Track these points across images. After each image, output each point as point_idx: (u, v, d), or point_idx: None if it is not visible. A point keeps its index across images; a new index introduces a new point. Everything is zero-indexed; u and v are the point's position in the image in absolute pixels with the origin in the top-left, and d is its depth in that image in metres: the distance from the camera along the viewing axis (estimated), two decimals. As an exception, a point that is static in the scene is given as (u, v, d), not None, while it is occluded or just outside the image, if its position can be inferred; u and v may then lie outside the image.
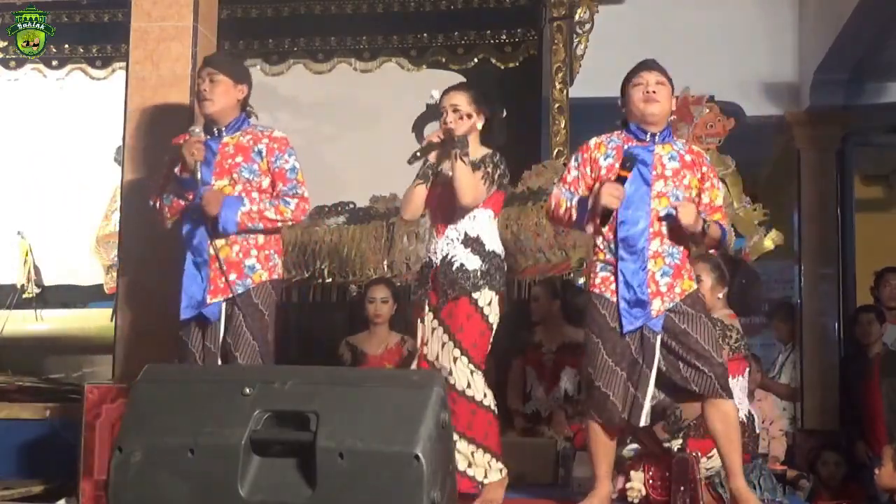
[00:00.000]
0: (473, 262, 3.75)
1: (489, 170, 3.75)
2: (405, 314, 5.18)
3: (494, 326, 3.77)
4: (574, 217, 3.64)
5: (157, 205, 3.90)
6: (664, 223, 3.57)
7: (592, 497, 3.64)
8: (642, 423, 3.57)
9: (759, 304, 5.00)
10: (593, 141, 3.74)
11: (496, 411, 3.78)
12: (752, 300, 4.58)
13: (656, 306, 3.55)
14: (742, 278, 4.50)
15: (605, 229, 3.59)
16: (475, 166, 3.75)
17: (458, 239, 3.78)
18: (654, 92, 3.60)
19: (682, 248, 3.62)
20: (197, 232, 3.77)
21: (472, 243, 3.77)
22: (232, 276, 3.75)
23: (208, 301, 3.74)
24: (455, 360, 3.70)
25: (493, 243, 3.81)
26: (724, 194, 3.74)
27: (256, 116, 3.98)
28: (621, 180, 3.50)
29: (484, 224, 3.80)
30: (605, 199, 3.49)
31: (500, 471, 3.74)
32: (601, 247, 3.65)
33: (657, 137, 3.65)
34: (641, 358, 3.56)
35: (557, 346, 5.07)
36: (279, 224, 3.82)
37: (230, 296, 3.74)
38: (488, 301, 3.74)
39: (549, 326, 5.12)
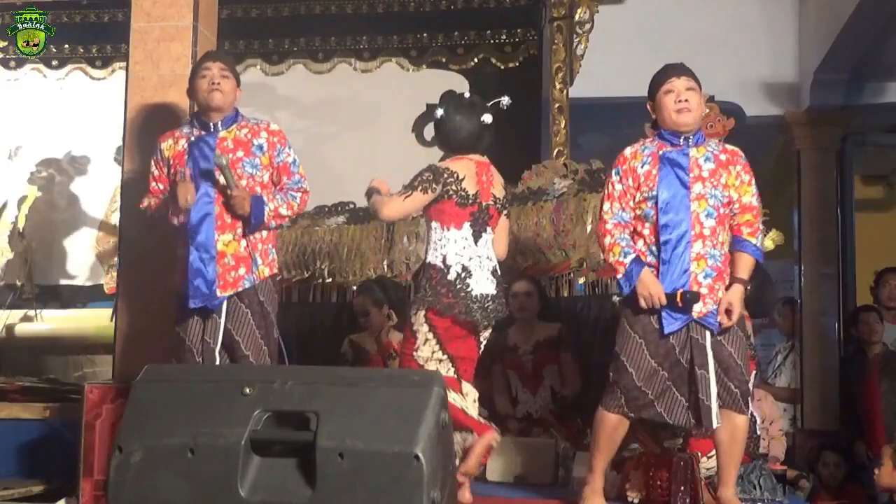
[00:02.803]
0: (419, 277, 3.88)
1: (416, 182, 3.79)
2: (405, 313, 5.18)
3: (419, 337, 3.78)
4: (621, 274, 3.62)
5: (149, 215, 3.98)
6: (705, 225, 3.58)
7: (587, 496, 3.66)
8: (715, 424, 3.54)
9: (772, 306, 4.99)
10: (628, 151, 3.73)
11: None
12: (765, 302, 4.57)
13: (697, 308, 3.54)
14: (756, 280, 4.49)
15: (647, 232, 3.62)
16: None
17: None
18: (685, 101, 3.60)
19: (724, 250, 3.61)
20: (202, 228, 3.77)
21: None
22: (241, 271, 3.78)
23: (218, 295, 3.75)
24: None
25: (431, 256, 3.82)
26: (756, 192, 3.66)
27: (242, 116, 3.98)
28: (674, 302, 3.52)
29: (429, 238, 3.87)
30: (644, 298, 3.55)
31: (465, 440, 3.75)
32: (643, 250, 3.65)
33: (690, 140, 3.65)
34: (689, 360, 3.54)
35: (533, 346, 5.04)
36: (287, 220, 3.92)
37: (239, 290, 3.77)
38: (414, 312, 3.81)
39: (523, 326, 5.07)
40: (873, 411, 6.22)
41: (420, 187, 3.76)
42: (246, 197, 3.74)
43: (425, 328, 3.77)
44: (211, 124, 3.86)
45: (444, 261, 3.78)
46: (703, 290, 3.55)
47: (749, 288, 4.20)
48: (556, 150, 6.46)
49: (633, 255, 3.61)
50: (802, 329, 7.49)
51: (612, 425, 3.64)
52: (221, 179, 3.76)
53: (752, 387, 4.49)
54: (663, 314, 3.54)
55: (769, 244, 4.96)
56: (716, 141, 3.83)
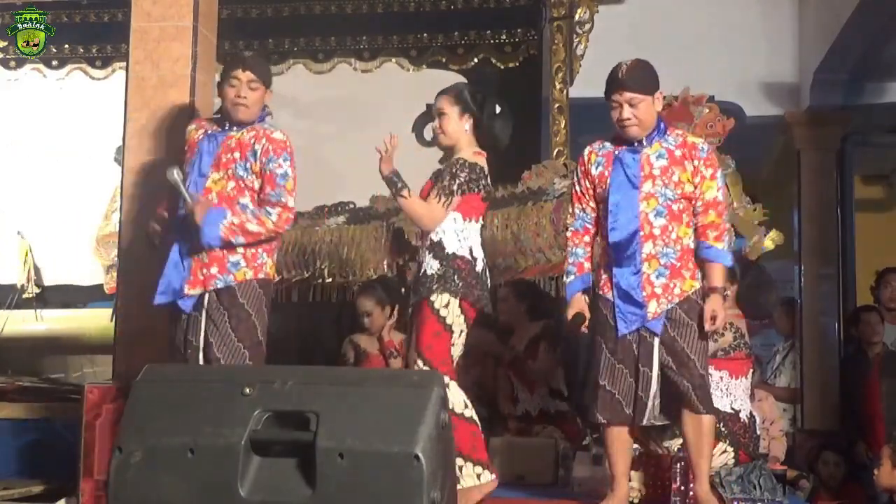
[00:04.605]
0: (432, 267, 3.73)
1: (445, 182, 3.72)
2: (405, 313, 5.19)
3: (456, 330, 3.71)
4: (565, 285, 3.79)
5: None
6: (655, 224, 3.58)
7: (611, 499, 3.65)
8: (645, 422, 3.59)
9: (772, 308, 4.96)
10: (587, 150, 3.78)
11: (478, 421, 3.77)
12: (762, 303, 4.56)
13: (652, 308, 3.57)
14: (752, 280, 4.49)
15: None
16: (435, 179, 3.76)
17: (426, 246, 3.80)
18: (628, 118, 3.60)
19: (678, 247, 3.60)
20: (186, 223, 3.75)
21: (435, 248, 3.75)
22: (213, 270, 3.73)
23: (186, 291, 3.73)
24: (414, 362, 3.71)
25: (455, 246, 3.75)
26: (722, 185, 3.69)
27: (272, 115, 3.94)
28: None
29: (447, 228, 3.76)
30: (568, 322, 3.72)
31: (479, 476, 3.69)
32: (603, 251, 3.73)
33: (645, 140, 3.66)
34: (640, 358, 3.57)
35: (525, 345, 5.07)
36: (262, 236, 3.76)
37: (209, 289, 3.73)
38: (445, 303, 3.69)
39: (518, 328, 5.12)
40: (873, 411, 6.22)
41: (447, 194, 3.73)
42: (199, 211, 3.66)
43: (461, 319, 3.71)
44: (227, 123, 3.85)
45: (470, 252, 3.77)
46: (658, 290, 3.57)
47: (741, 287, 4.22)
48: (556, 150, 6.46)
49: (572, 277, 3.72)
50: (802, 329, 7.48)
51: (610, 433, 3.66)
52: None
53: (752, 386, 4.50)
54: (618, 315, 3.58)
55: (769, 244, 4.96)
56: (678, 132, 3.78)
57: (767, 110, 7.88)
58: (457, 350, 3.73)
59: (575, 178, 3.80)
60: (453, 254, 3.73)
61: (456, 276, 3.71)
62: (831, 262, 7.79)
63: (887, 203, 9.96)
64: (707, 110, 4.94)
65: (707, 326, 3.56)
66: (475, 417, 3.76)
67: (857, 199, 8.46)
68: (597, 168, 3.70)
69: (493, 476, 3.75)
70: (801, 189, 7.94)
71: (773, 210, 5.16)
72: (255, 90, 3.79)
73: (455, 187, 3.71)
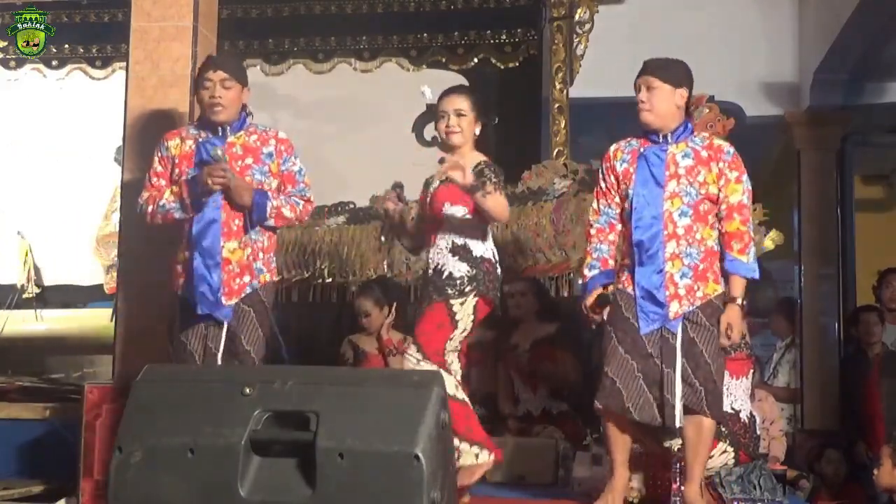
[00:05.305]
0: (460, 269, 3.76)
1: (495, 179, 3.74)
2: (405, 312, 5.19)
3: (461, 325, 3.74)
4: (585, 280, 3.77)
5: (150, 208, 3.84)
6: (679, 224, 3.57)
7: (609, 491, 3.64)
8: (678, 424, 3.54)
9: (769, 305, 4.94)
10: (612, 148, 3.77)
11: (468, 402, 3.80)
12: (760, 301, 4.55)
13: (674, 309, 3.54)
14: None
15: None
16: (477, 177, 3.75)
17: (446, 248, 3.81)
18: (643, 101, 3.61)
19: (702, 248, 3.57)
20: (208, 234, 3.74)
21: (459, 251, 3.78)
22: (246, 278, 3.78)
23: (224, 303, 3.74)
24: (410, 344, 3.81)
25: (482, 249, 3.80)
26: (748, 188, 3.62)
27: (251, 114, 3.93)
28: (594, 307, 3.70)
29: (472, 231, 3.80)
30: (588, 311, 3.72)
31: (477, 455, 3.73)
32: (626, 251, 3.71)
33: (671, 137, 3.64)
34: (660, 358, 3.54)
35: (531, 344, 5.07)
36: (289, 223, 3.92)
37: (242, 297, 3.77)
38: (461, 302, 3.74)
39: (524, 325, 5.11)
40: (873, 411, 6.22)
41: (501, 187, 3.78)
42: (246, 188, 3.72)
43: (471, 317, 3.75)
44: (219, 128, 3.82)
45: (493, 255, 3.84)
46: (681, 291, 3.55)
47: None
48: (556, 150, 6.46)
49: (596, 271, 3.70)
50: (802, 329, 7.48)
51: (610, 421, 3.65)
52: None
53: (752, 386, 4.50)
54: (639, 313, 3.56)
55: (769, 244, 4.96)
56: (704, 135, 3.79)
57: (767, 110, 7.88)
58: (452, 344, 3.76)
59: (600, 175, 3.79)
60: (481, 257, 3.79)
61: (485, 279, 3.78)
62: (831, 262, 7.79)
63: (887, 203, 9.95)
64: (707, 110, 4.94)
65: (722, 341, 3.55)
66: (467, 399, 3.79)
67: (857, 199, 8.46)
68: (622, 164, 3.69)
69: (492, 455, 3.79)
70: (801, 189, 7.94)
71: (773, 210, 5.15)
72: (230, 89, 3.78)
73: (497, 182, 3.76)
